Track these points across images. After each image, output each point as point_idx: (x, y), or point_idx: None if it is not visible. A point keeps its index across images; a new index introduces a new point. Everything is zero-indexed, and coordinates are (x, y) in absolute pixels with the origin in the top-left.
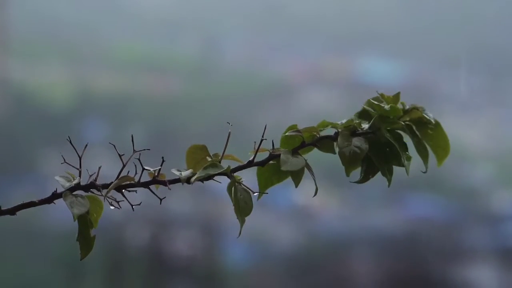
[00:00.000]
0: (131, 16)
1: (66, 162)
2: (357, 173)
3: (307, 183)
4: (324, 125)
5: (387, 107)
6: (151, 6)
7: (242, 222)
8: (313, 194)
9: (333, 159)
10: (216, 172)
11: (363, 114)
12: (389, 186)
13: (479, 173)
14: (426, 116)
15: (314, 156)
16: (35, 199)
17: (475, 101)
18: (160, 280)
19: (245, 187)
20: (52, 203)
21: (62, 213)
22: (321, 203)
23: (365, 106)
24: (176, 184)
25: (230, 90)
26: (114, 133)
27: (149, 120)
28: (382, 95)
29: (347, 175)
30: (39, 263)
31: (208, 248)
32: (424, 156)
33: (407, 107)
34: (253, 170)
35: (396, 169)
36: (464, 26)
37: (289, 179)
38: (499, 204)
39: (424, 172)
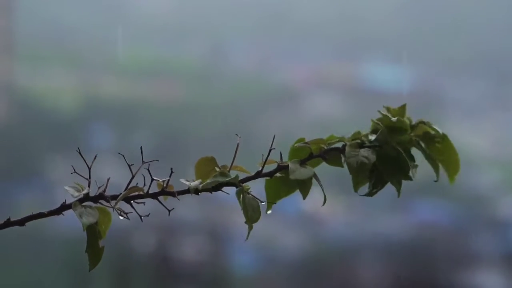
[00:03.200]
0: (137, 22)
1: (76, 172)
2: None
3: (314, 190)
4: (332, 139)
5: (394, 119)
6: (157, 13)
7: (250, 228)
8: (322, 203)
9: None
10: (225, 180)
11: (374, 131)
12: (399, 196)
13: (486, 179)
14: (432, 129)
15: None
16: (44, 210)
17: (480, 106)
18: (167, 286)
19: (253, 197)
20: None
21: (70, 220)
22: (328, 209)
23: (374, 120)
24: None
25: (235, 96)
26: (121, 139)
27: (155, 126)
28: (388, 108)
29: (355, 190)
30: (47, 269)
31: (215, 254)
32: (434, 167)
33: (413, 122)
34: (261, 180)
35: None
36: (469, 31)
37: (297, 193)
38: (505, 209)
39: (436, 181)
